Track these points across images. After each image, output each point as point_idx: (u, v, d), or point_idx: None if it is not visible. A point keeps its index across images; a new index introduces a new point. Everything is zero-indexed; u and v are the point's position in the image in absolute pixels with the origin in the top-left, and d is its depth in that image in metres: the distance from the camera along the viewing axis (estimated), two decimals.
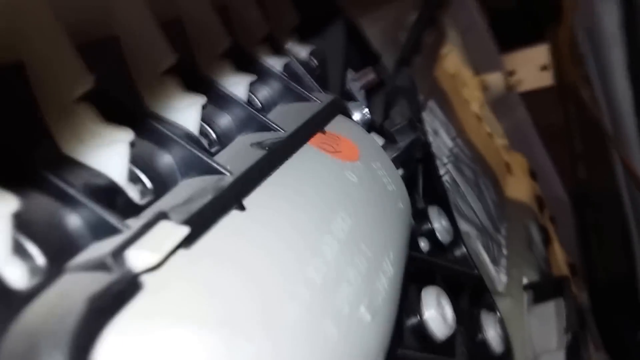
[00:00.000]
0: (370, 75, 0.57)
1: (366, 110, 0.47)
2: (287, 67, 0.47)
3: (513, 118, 1.67)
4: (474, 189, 0.90)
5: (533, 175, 1.41)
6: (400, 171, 0.55)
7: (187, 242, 0.25)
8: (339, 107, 0.43)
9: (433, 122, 0.93)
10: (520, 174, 1.29)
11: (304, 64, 0.51)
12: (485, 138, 1.19)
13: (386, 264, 0.33)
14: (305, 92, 0.42)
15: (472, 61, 1.66)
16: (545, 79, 1.95)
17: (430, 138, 0.88)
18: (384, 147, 0.53)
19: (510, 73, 1.74)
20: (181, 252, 0.24)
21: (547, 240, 1.10)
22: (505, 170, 1.21)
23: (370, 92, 0.62)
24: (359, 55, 0.62)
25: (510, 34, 1.67)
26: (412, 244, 0.55)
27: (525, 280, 0.86)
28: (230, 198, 0.28)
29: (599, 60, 0.98)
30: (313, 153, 0.36)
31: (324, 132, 0.39)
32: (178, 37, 0.36)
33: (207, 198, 0.27)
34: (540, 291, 0.83)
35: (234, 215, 0.28)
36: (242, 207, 0.28)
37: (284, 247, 0.28)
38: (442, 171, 0.83)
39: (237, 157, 0.32)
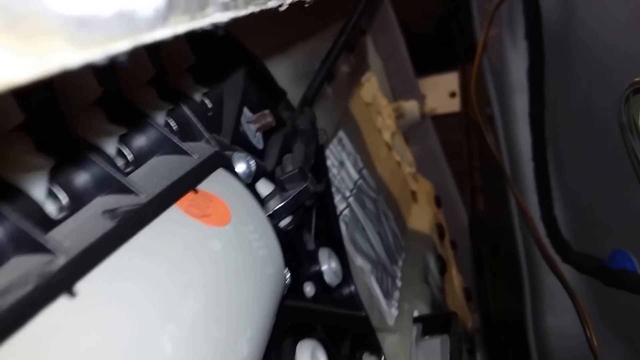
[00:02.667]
0: (267, 118, 0.54)
1: (252, 161, 0.44)
2: (173, 113, 0.43)
3: (425, 144, 1.69)
4: (374, 221, 0.89)
5: (438, 201, 1.43)
6: (288, 219, 0.52)
7: None
8: (218, 162, 0.40)
9: (340, 153, 0.91)
10: (425, 201, 1.29)
11: (196, 107, 0.47)
12: (394, 167, 1.19)
13: (241, 344, 0.30)
14: (183, 145, 0.38)
15: (392, 87, 1.67)
16: (454, 105, 1.99)
17: (335, 171, 0.86)
18: (273, 194, 0.50)
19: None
20: None
21: (443, 270, 1.11)
22: (410, 199, 1.21)
23: (269, 133, 0.59)
24: (262, 93, 0.59)
25: (425, 59, 1.68)
26: (295, 293, 0.52)
27: (416, 313, 0.86)
28: (58, 285, 0.24)
29: (503, 104, 0.98)
30: (176, 219, 0.32)
31: (195, 192, 0.36)
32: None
33: (26, 289, 0.23)
34: (429, 324, 0.83)
35: (59, 304, 0.24)
36: (72, 293, 0.25)
37: (115, 344, 0.24)
38: (343, 205, 0.81)
39: (83, 228, 0.28)
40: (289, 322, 0.46)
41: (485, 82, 1.02)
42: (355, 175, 0.92)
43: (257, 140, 0.55)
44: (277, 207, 0.48)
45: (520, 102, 0.90)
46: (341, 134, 0.96)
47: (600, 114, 0.73)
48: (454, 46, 1.90)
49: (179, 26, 0.19)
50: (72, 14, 0.15)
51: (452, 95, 2.12)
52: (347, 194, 0.85)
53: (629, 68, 0.65)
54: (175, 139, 0.38)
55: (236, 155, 0.43)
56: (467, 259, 1.56)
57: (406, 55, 1.71)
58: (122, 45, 0.17)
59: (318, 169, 0.66)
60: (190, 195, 0.35)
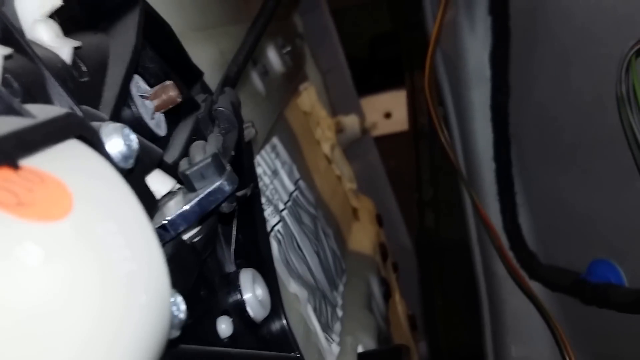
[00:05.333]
0: (169, 92, 0.39)
1: (132, 135, 0.29)
2: (12, 65, 0.28)
3: (365, 161, 1.58)
4: (312, 240, 0.75)
5: (379, 220, 1.31)
6: (196, 229, 0.37)
7: None
8: (71, 128, 0.25)
9: (274, 161, 0.77)
10: (367, 219, 1.16)
11: (58, 65, 0.32)
12: (334, 181, 1.06)
13: None
14: (15, 102, 0.24)
15: (331, 102, 1.56)
16: (389, 126, 1.90)
17: (267, 180, 0.71)
18: (173, 193, 0.36)
19: None
20: None
21: (387, 294, 0.97)
22: (351, 216, 1.08)
23: (177, 117, 0.44)
24: (167, 64, 0.45)
25: (358, 82, 1.62)
26: (203, 333, 0.37)
27: (360, 349, 0.71)
28: None
29: (459, 100, 0.85)
30: None
31: (15, 168, 0.21)
32: None
33: None
34: None
35: None
36: None
37: None
38: (275, 219, 0.66)
39: None
40: None
41: (437, 78, 0.90)
42: (290, 187, 0.78)
43: (157, 123, 0.40)
44: (178, 212, 0.33)
45: (479, 95, 0.77)
46: (275, 140, 0.82)
47: (580, 96, 0.61)
48: (388, 67, 1.83)
49: None
50: None
51: (387, 115, 2.03)
52: (281, 206, 0.71)
53: (623, 34, 0.53)
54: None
55: (107, 126, 0.28)
56: (409, 283, 1.44)
57: (346, 69, 1.61)
58: None
59: (243, 169, 0.52)
60: (2, 173, 0.20)
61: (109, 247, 0.21)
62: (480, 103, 0.75)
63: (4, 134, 0.21)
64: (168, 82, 0.39)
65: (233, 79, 0.50)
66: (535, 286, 0.72)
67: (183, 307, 0.28)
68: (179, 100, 0.39)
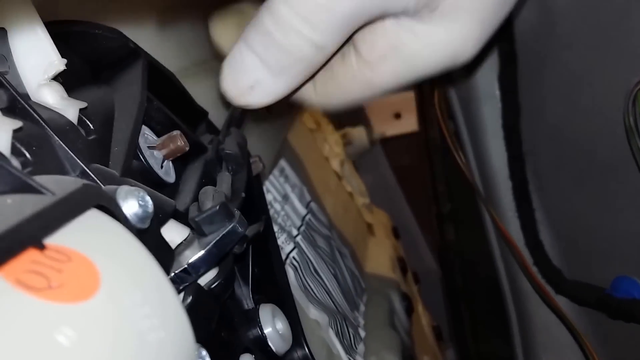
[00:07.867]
0: (177, 142, 0.41)
1: (147, 197, 0.31)
2: (21, 134, 0.30)
3: (376, 172, 1.59)
4: (329, 262, 0.77)
5: (396, 233, 1.32)
6: (213, 272, 0.39)
7: None
8: (89, 200, 0.27)
9: (283, 186, 0.78)
10: (383, 234, 1.18)
11: (66, 127, 0.34)
12: (346, 198, 1.07)
13: None
14: (28, 178, 0.25)
15: (337, 115, 1.58)
16: (399, 127, 1.91)
17: (278, 206, 0.73)
18: (188, 242, 0.37)
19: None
20: None
21: (410, 309, 0.99)
22: (366, 233, 1.10)
23: (185, 162, 0.46)
24: (172, 111, 0.46)
25: None
26: None
27: None
28: None
29: (470, 118, 0.86)
30: None
31: (41, 248, 0.23)
32: None
33: None
34: None
35: None
36: None
37: None
38: (290, 247, 0.68)
39: None
40: None
41: (447, 94, 0.91)
42: (302, 211, 0.79)
43: (166, 172, 0.42)
44: (192, 260, 0.35)
45: (490, 113, 0.78)
46: (283, 163, 0.84)
47: (589, 120, 0.62)
48: None
49: None
50: None
51: (397, 116, 2.04)
52: (294, 232, 0.72)
53: (628, 67, 0.55)
54: (12, 168, 0.25)
55: (122, 190, 0.30)
56: (432, 294, 1.45)
57: None
58: None
59: (254, 204, 0.53)
60: (29, 255, 0.22)
61: (136, 319, 0.23)
62: (492, 120, 0.76)
63: (27, 216, 0.23)
64: (175, 132, 0.41)
65: (238, 119, 0.52)
66: (561, 300, 0.73)
67: (207, 358, 0.30)
68: (187, 149, 0.41)
